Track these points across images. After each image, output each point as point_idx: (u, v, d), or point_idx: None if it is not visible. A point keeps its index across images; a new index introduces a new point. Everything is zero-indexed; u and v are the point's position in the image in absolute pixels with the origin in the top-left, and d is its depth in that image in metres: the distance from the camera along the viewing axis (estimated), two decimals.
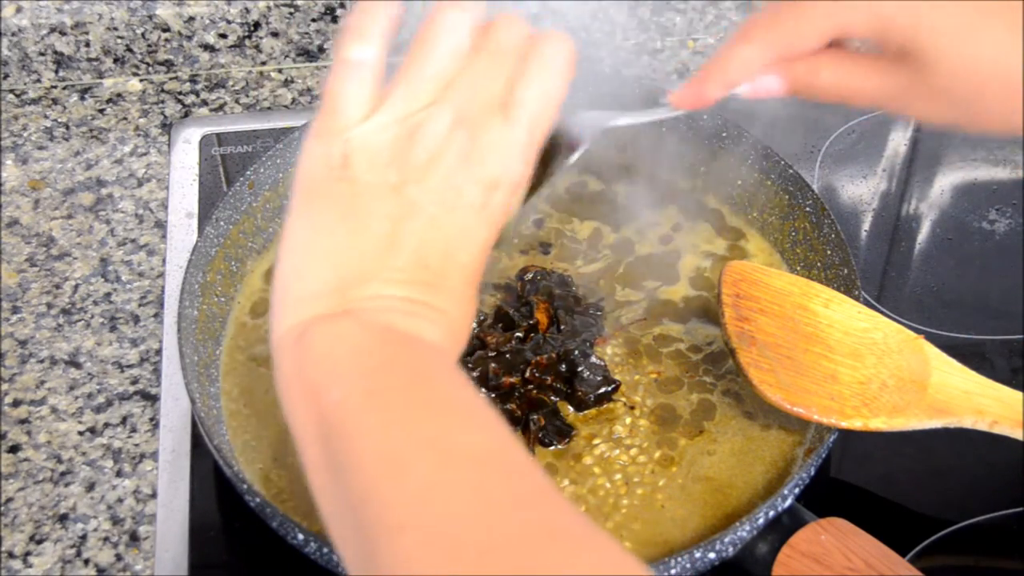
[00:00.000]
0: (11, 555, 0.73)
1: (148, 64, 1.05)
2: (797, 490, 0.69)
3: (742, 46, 0.60)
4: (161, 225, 0.92)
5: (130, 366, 0.83)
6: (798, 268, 0.84)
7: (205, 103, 1.04)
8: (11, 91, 1.04)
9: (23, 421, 0.80)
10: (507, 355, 0.77)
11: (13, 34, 1.01)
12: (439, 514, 0.42)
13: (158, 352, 0.84)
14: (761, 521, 0.67)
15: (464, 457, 0.45)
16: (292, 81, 1.06)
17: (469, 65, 0.53)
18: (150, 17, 1.03)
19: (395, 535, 0.42)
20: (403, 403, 0.47)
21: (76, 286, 0.88)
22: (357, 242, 0.51)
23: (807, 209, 0.84)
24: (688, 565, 0.66)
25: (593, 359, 0.77)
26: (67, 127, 1.01)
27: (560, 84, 0.53)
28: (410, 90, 0.52)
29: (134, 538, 0.74)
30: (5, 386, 0.81)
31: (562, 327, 0.79)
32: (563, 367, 0.77)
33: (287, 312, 0.51)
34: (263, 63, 1.07)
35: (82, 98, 1.04)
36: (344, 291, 0.51)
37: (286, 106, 1.04)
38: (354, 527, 0.45)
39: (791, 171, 0.85)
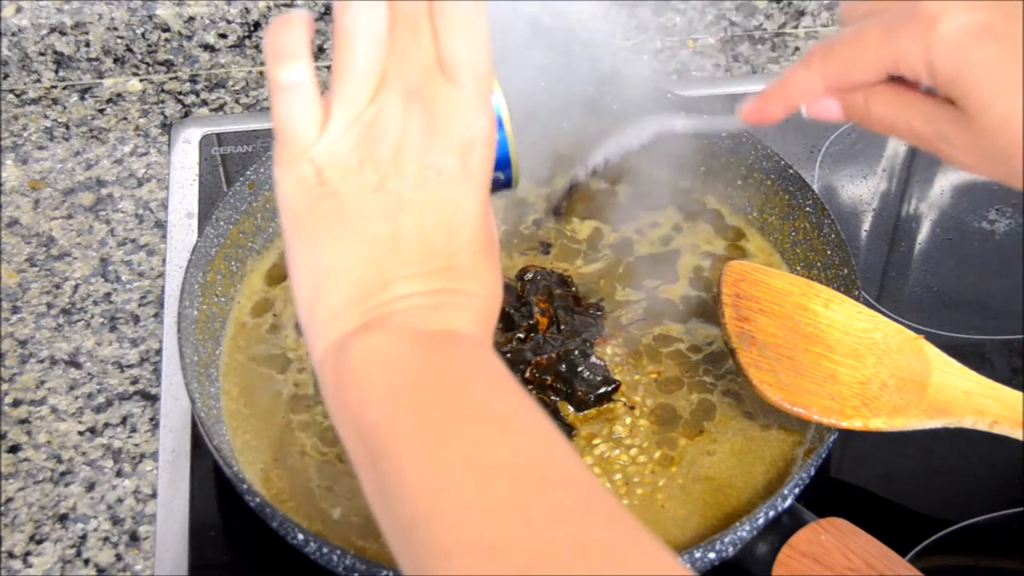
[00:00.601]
0: (11, 555, 0.73)
1: (148, 64, 1.05)
2: (797, 490, 0.69)
3: (801, 72, 0.61)
4: (161, 225, 0.92)
5: (130, 366, 0.83)
6: (798, 268, 0.84)
7: (205, 103, 1.04)
8: (11, 91, 1.04)
9: (23, 421, 0.80)
10: (507, 355, 0.77)
11: (13, 34, 1.01)
12: (482, 537, 0.43)
13: (158, 352, 0.84)
14: (761, 521, 0.67)
15: (503, 472, 0.45)
16: None
17: (392, 44, 0.52)
18: (150, 17, 1.03)
19: (442, 561, 0.43)
20: (439, 418, 0.47)
21: (76, 286, 0.88)
22: (361, 250, 0.51)
23: (807, 209, 0.84)
24: (688, 565, 0.66)
25: (593, 359, 0.77)
26: (67, 127, 1.01)
27: (479, 23, 0.53)
28: (351, 91, 0.52)
29: (134, 538, 0.74)
30: (5, 386, 0.81)
31: (562, 327, 0.79)
32: (563, 367, 0.77)
33: (320, 336, 0.51)
34: (263, 63, 1.07)
35: (82, 98, 1.04)
36: (366, 300, 0.51)
37: None
38: (406, 550, 0.45)
39: (791, 171, 0.85)
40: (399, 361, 0.49)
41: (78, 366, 0.83)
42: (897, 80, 0.59)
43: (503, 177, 0.56)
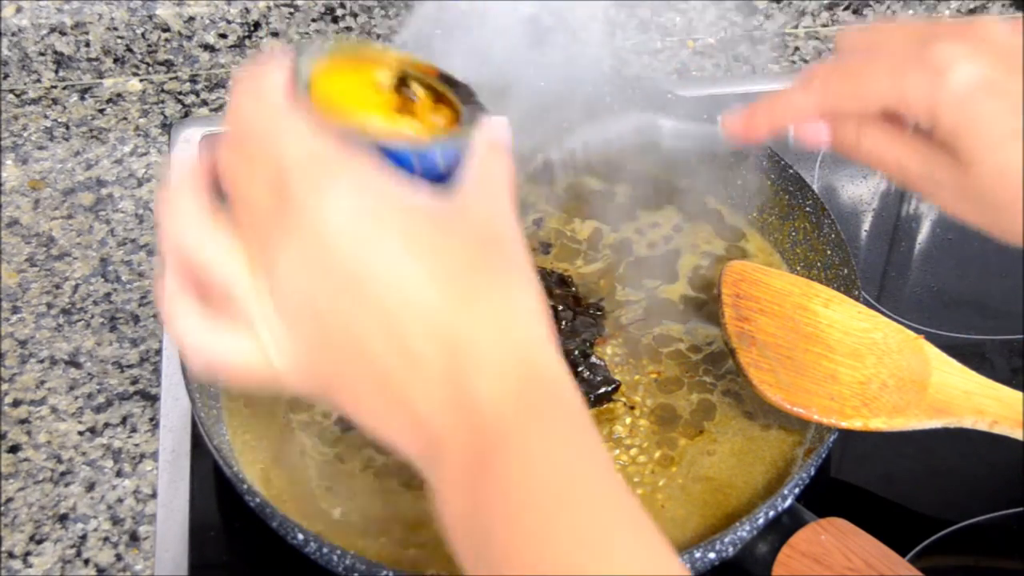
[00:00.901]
0: (11, 555, 0.73)
1: (148, 64, 1.05)
2: (797, 490, 0.69)
3: (797, 92, 0.62)
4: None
5: (130, 366, 0.83)
6: (798, 268, 0.84)
7: (205, 103, 1.04)
8: (11, 91, 1.04)
9: (23, 421, 0.80)
10: None
11: (13, 34, 1.01)
12: None
13: (158, 352, 0.84)
14: (761, 521, 0.67)
15: None
16: None
17: (236, 196, 0.47)
18: (150, 17, 1.03)
19: None
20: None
21: (76, 286, 0.88)
22: (372, 400, 0.47)
23: (807, 209, 0.84)
24: (688, 565, 0.66)
25: (593, 359, 0.77)
26: (67, 127, 1.01)
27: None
28: (241, 293, 0.47)
29: (134, 538, 0.74)
30: (5, 386, 0.81)
31: (562, 327, 0.79)
32: None
33: (408, 454, 0.48)
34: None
35: (82, 98, 1.04)
36: (404, 431, 0.46)
37: None
38: None
39: (791, 171, 0.85)
40: (459, 506, 0.45)
41: (78, 366, 0.83)
42: (889, 117, 0.60)
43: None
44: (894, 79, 0.58)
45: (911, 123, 0.59)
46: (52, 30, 1.02)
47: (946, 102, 0.57)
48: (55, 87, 1.05)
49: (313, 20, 1.04)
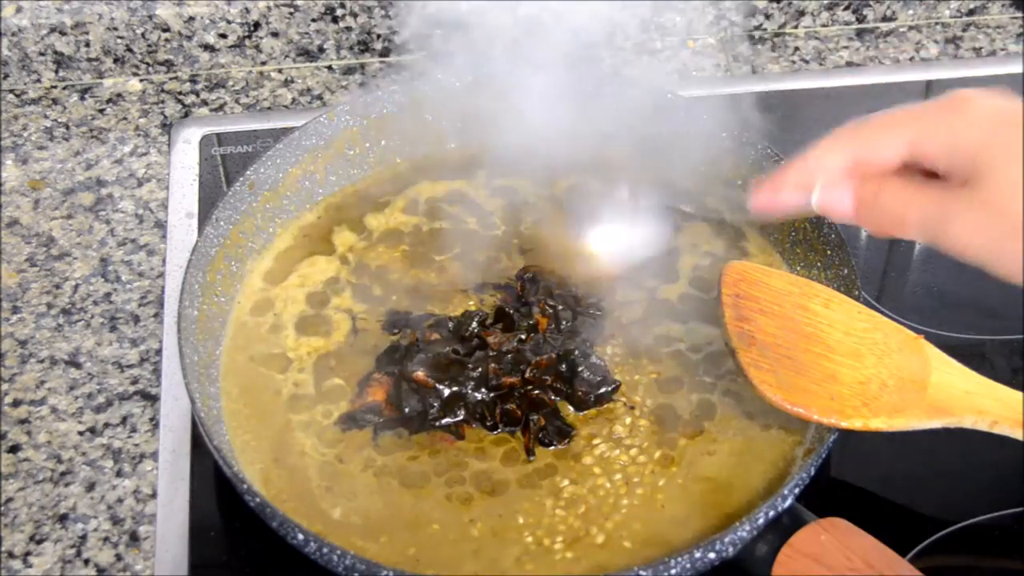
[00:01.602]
0: (11, 555, 0.73)
1: (148, 64, 1.05)
2: (797, 490, 0.69)
3: (824, 150, 0.66)
4: (161, 225, 0.92)
5: (130, 366, 0.83)
6: (798, 268, 0.84)
7: (205, 103, 1.04)
8: (11, 91, 1.04)
9: (23, 421, 0.80)
10: (507, 355, 0.77)
11: (13, 34, 1.01)
12: None
13: (158, 352, 0.84)
14: (761, 521, 0.67)
15: None
16: (292, 81, 1.06)
17: None
18: (150, 17, 1.03)
19: None
20: None
21: (76, 286, 0.88)
22: None
23: None
24: (688, 565, 0.66)
25: (593, 359, 0.77)
26: (67, 127, 1.01)
27: None
28: None
29: (134, 538, 0.74)
30: (5, 386, 0.82)
31: (562, 327, 0.79)
32: (563, 367, 0.77)
33: None
34: (263, 63, 1.07)
35: (82, 98, 1.04)
36: None
37: (286, 106, 1.04)
38: None
39: None
40: None
41: (78, 366, 0.83)
42: (907, 169, 0.64)
43: None
44: (916, 120, 0.63)
45: (929, 167, 0.63)
46: (52, 30, 1.02)
47: (965, 131, 0.61)
48: (55, 87, 1.05)
49: (313, 20, 1.04)
